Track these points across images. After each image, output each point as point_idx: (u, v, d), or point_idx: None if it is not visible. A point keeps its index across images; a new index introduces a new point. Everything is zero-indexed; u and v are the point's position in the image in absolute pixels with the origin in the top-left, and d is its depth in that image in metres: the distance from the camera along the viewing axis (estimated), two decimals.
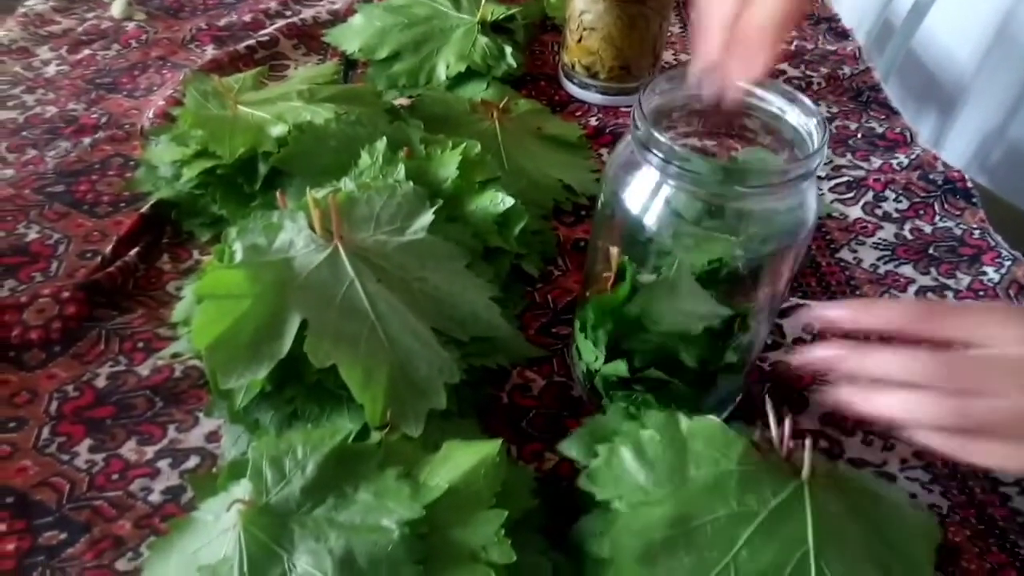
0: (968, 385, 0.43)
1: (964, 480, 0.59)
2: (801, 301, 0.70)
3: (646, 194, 0.49)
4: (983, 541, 0.55)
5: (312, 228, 0.60)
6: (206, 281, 0.55)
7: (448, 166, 0.69)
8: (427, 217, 0.64)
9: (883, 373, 0.45)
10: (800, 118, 0.49)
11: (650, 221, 0.49)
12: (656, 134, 0.46)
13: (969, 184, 0.84)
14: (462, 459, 0.49)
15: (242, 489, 0.47)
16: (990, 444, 0.43)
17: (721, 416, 0.60)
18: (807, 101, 0.49)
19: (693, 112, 0.56)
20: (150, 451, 0.57)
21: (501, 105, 0.83)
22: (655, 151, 0.46)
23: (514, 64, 0.92)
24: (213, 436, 0.58)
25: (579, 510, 0.53)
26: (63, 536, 0.52)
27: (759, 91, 0.51)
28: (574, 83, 0.95)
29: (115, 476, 0.56)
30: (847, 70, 1.03)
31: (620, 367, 0.55)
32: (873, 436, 0.61)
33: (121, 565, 0.51)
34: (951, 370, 0.43)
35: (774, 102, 0.51)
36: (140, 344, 0.64)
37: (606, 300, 0.53)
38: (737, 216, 0.52)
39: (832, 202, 0.83)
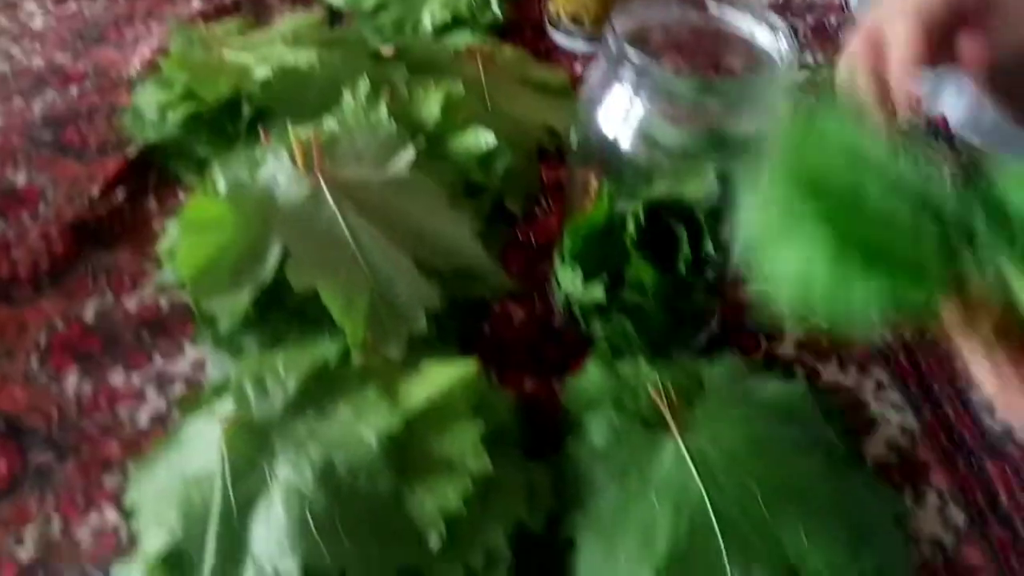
0: None
1: (938, 403, 0.60)
2: None
3: (619, 115, 0.50)
4: (951, 459, 0.56)
5: (294, 163, 0.61)
6: (190, 210, 0.56)
7: (430, 106, 0.70)
8: (409, 154, 0.64)
9: None
10: (768, 38, 0.50)
11: (624, 142, 0.50)
12: (628, 49, 0.46)
13: (952, 130, 0.85)
14: (440, 376, 0.50)
15: (225, 407, 0.48)
16: None
17: (698, 342, 0.61)
18: (773, 17, 0.50)
19: (671, 44, 0.56)
20: (137, 379, 0.58)
21: (486, 52, 0.83)
22: (627, 67, 0.47)
23: (499, 14, 0.92)
24: (199, 365, 0.59)
25: (555, 429, 0.54)
26: (52, 458, 0.53)
27: (728, 12, 0.52)
28: (560, 32, 0.95)
29: (103, 402, 0.57)
30: (833, 20, 1.03)
31: (596, 291, 0.56)
32: (848, 362, 0.62)
33: (109, 483, 0.52)
34: None
35: (743, 24, 0.51)
36: (127, 279, 0.65)
37: (583, 222, 0.54)
38: (709, 141, 0.53)
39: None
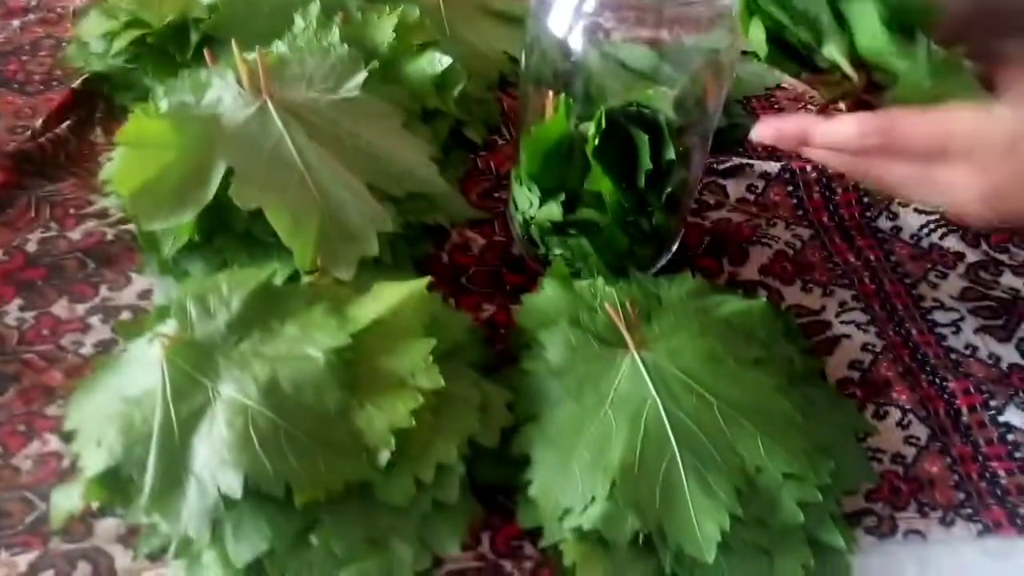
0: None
1: (901, 322, 0.59)
2: (745, 160, 0.70)
3: (569, 15, 0.48)
4: (914, 376, 0.56)
5: (240, 85, 0.58)
6: (130, 129, 0.54)
7: (384, 29, 0.68)
8: (361, 76, 0.62)
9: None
10: None
11: (575, 43, 0.48)
12: None
13: None
14: (390, 294, 0.49)
15: (168, 327, 0.47)
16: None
17: (656, 265, 0.60)
18: None
19: None
20: (81, 309, 0.56)
21: None
22: None
23: None
24: (146, 294, 0.57)
25: (512, 348, 0.53)
26: None
27: None
28: None
29: (45, 331, 0.55)
30: None
31: (553, 211, 0.54)
32: (812, 284, 0.61)
33: (51, 411, 0.51)
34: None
35: None
36: (71, 210, 0.62)
37: (539, 138, 0.53)
38: (663, 58, 0.51)
39: (782, 74, 0.82)
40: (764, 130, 0.47)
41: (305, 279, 0.52)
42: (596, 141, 0.50)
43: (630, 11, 0.48)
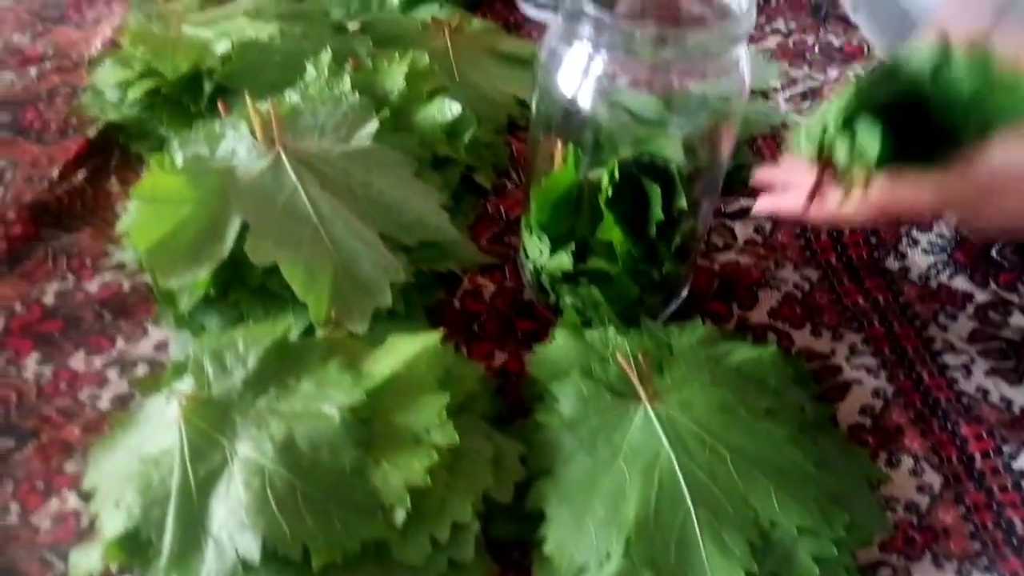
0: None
1: (911, 365, 0.59)
2: (752, 202, 0.70)
3: (578, 73, 0.48)
4: (926, 422, 0.56)
5: (254, 136, 0.59)
6: (146, 185, 0.55)
7: (395, 77, 0.69)
8: (372, 125, 0.63)
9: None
10: None
11: (584, 101, 0.49)
12: (586, 3, 0.45)
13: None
14: (405, 349, 0.49)
15: (184, 384, 0.47)
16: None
17: (667, 311, 0.60)
18: None
19: (636, 6, 0.55)
20: (98, 362, 0.57)
21: (453, 23, 0.82)
22: (585, 22, 0.45)
23: None
24: (162, 346, 0.58)
25: (525, 400, 0.53)
26: (11, 443, 0.52)
27: None
28: (529, 4, 0.93)
29: (63, 386, 0.55)
30: None
31: (564, 260, 0.55)
32: (822, 327, 0.62)
33: (69, 468, 0.51)
34: None
35: None
36: (88, 261, 0.63)
37: (548, 188, 0.53)
38: (672, 107, 0.52)
39: (787, 112, 0.82)
40: (761, 205, 0.54)
41: (320, 332, 0.53)
42: (609, 192, 0.51)
43: (640, 70, 0.49)
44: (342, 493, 0.43)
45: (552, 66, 0.50)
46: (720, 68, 0.48)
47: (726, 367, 0.52)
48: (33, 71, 0.81)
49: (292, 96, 0.66)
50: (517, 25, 0.94)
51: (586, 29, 0.45)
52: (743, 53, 0.48)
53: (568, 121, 0.52)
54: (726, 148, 0.54)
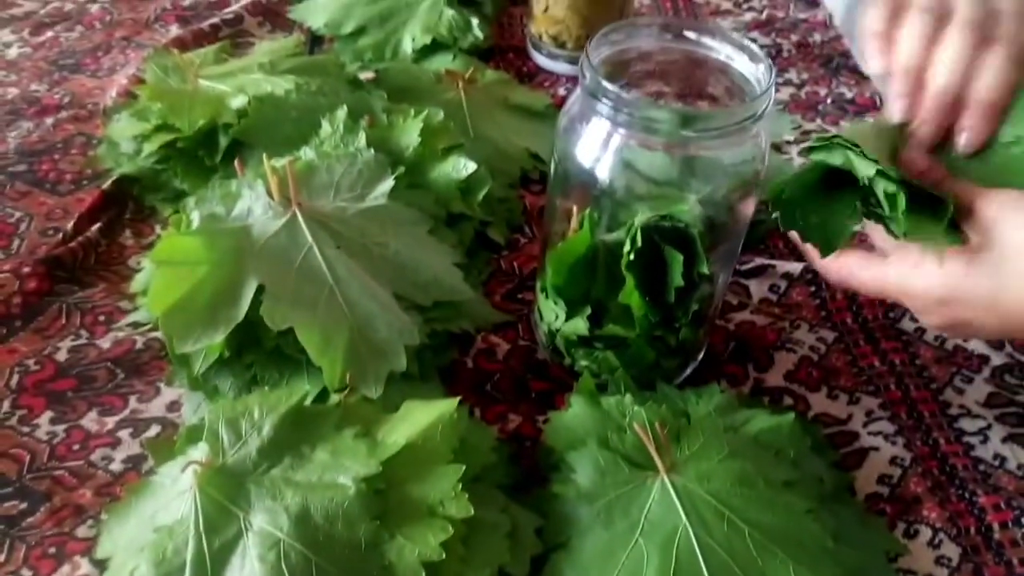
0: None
1: (928, 431, 0.59)
2: (767, 261, 0.70)
3: (597, 146, 0.49)
4: (944, 491, 0.55)
5: (270, 195, 0.59)
6: (162, 247, 0.55)
7: (410, 133, 0.69)
8: (388, 183, 0.63)
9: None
10: (748, 65, 0.49)
11: (602, 173, 0.49)
12: (604, 82, 0.45)
13: None
14: (420, 417, 0.49)
15: (199, 451, 0.47)
16: None
17: (683, 375, 0.60)
18: (754, 48, 0.49)
19: (650, 72, 0.56)
20: (111, 421, 0.57)
21: (467, 75, 0.82)
22: (604, 99, 0.46)
23: (480, 36, 0.91)
24: (174, 406, 0.58)
25: (540, 468, 0.53)
26: (23, 506, 0.52)
27: (708, 39, 0.51)
28: (542, 54, 0.94)
29: (76, 446, 0.55)
30: (817, 37, 1.03)
31: (579, 325, 0.55)
32: (838, 391, 0.61)
33: (82, 532, 0.51)
34: None
35: (722, 50, 0.50)
36: (101, 318, 0.63)
37: (564, 252, 0.53)
38: (691, 171, 0.52)
39: (801, 166, 0.83)
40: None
41: (334, 397, 0.53)
42: (631, 256, 0.51)
43: (658, 143, 0.49)
44: (357, 568, 0.43)
45: (571, 135, 0.50)
46: (740, 138, 0.48)
47: (744, 437, 0.52)
48: (50, 120, 0.82)
49: (308, 152, 0.66)
50: (530, 75, 0.94)
51: (605, 107, 0.46)
52: (764, 123, 0.48)
53: (585, 187, 0.52)
54: (746, 212, 0.54)
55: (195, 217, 0.59)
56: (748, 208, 0.53)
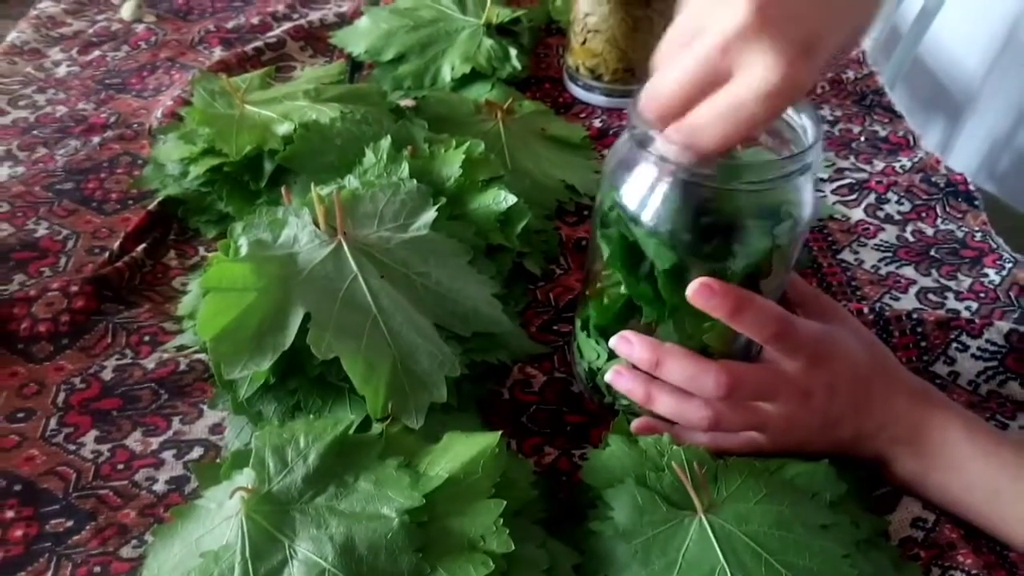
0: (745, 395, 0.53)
1: None
2: None
3: (644, 190, 0.49)
4: (978, 538, 0.55)
5: (316, 224, 0.60)
6: (212, 274, 0.56)
7: (452, 164, 0.70)
8: (430, 214, 0.65)
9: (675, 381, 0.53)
10: (794, 115, 0.50)
11: (648, 217, 0.50)
12: (654, 133, 0.46)
13: (971, 187, 0.85)
14: (462, 450, 0.50)
15: (245, 477, 0.48)
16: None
17: None
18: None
19: None
20: (155, 442, 0.58)
21: (505, 106, 0.83)
22: (652, 149, 0.47)
23: (519, 66, 0.93)
24: (217, 428, 0.59)
25: (576, 503, 0.53)
26: (69, 523, 0.53)
27: None
28: (578, 85, 0.95)
29: (120, 466, 0.56)
30: (851, 74, 1.03)
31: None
32: None
33: (126, 552, 0.52)
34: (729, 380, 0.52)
35: None
36: (146, 338, 0.65)
37: (608, 293, 0.54)
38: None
39: (834, 203, 0.83)
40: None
41: (376, 427, 0.54)
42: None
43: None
44: None
45: (617, 179, 0.51)
46: (786, 189, 0.49)
47: (780, 479, 0.52)
48: (96, 139, 0.83)
49: (352, 181, 0.67)
50: (565, 106, 0.95)
51: (652, 156, 0.46)
52: (808, 182, 0.49)
53: (629, 230, 0.52)
54: (789, 261, 0.54)
55: (243, 243, 0.60)
56: (790, 252, 0.54)
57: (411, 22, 0.94)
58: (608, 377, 0.55)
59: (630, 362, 0.54)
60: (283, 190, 0.64)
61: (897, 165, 0.89)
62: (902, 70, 1.47)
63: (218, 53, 0.97)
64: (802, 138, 0.49)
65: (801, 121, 0.50)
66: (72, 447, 0.57)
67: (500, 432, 0.50)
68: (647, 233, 0.49)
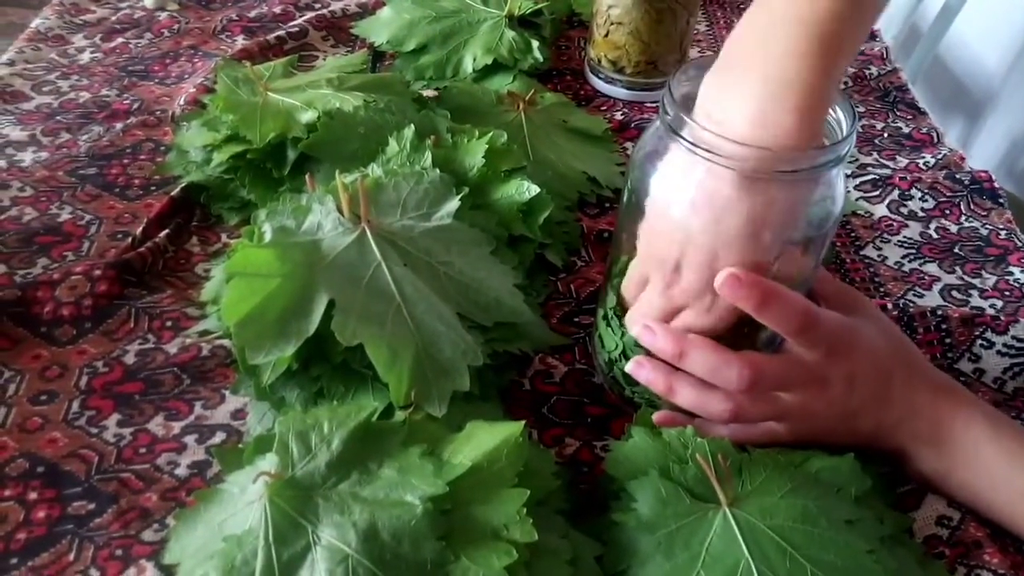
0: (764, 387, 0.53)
1: None
2: None
3: (674, 178, 0.49)
4: (1004, 536, 0.55)
5: (340, 211, 0.60)
6: (236, 259, 0.56)
7: (474, 155, 0.70)
8: (453, 204, 0.64)
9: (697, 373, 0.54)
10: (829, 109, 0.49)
11: (678, 208, 0.49)
12: (686, 118, 0.46)
13: (996, 184, 0.84)
14: (485, 439, 0.50)
15: (268, 462, 0.48)
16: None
17: None
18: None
19: None
20: (177, 426, 0.58)
21: (527, 97, 0.83)
22: (684, 136, 0.46)
23: (540, 58, 0.93)
24: (239, 414, 0.59)
25: (598, 495, 0.53)
26: (91, 506, 0.53)
27: None
28: (600, 78, 0.95)
29: (143, 450, 0.56)
30: (874, 70, 1.03)
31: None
32: None
33: (147, 536, 0.52)
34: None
35: None
36: (168, 323, 0.65)
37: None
38: None
39: (858, 200, 0.83)
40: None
41: (398, 414, 0.54)
42: None
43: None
44: None
45: (647, 169, 0.50)
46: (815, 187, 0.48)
47: (805, 473, 0.52)
48: (119, 126, 0.84)
49: (375, 169, 0.67)
50: (587, 98, 0.95)
51: (685, 143, 0.46)
52: (840, 175, 0.48)
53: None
54: (819, 254, 0.54)
55: (267, 229, 0.60)
56: (818, 245, 0.53)
57: (433, 13, 0.94)
58: (629, 368, 0.55)
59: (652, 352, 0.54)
60: (307, 177, 0.64)
61: (921, 162, 0.88)
62: (922, 68, 1.46)
63: (240, 42, 0.98)
64: (834, 129, 0.49)
65: (836, 115, 0.49)
66: (94, 430, 0.57)
67: (523, 421, 0.50)
68: None
